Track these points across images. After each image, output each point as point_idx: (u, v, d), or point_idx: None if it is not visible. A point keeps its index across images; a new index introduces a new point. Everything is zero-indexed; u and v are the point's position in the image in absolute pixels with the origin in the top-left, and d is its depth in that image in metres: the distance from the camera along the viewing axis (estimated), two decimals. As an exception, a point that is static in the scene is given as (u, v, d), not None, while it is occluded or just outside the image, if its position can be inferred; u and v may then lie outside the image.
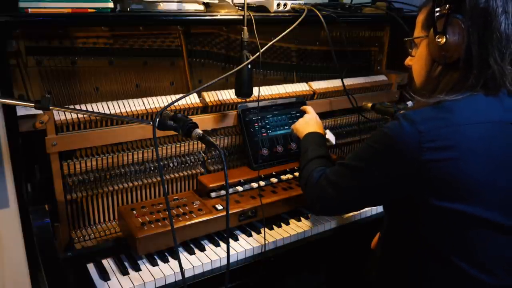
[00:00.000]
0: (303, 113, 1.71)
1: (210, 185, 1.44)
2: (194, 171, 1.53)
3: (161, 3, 1.37)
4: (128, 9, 1.36)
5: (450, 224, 0.96)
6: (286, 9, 1.60)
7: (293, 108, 1.70)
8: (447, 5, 0.96)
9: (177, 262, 1.04)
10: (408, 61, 1.17)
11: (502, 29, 0.95)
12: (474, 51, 0.95)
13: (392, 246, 1.12)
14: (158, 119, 1.10)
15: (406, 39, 1.12)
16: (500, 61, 0.96)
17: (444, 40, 0.97)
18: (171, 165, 1.49)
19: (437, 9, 0.99)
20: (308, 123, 1.51)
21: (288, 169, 1.60)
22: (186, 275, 1.21)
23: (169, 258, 1.27)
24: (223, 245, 1.34)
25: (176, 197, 1.44)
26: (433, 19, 0.99)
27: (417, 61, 1.10)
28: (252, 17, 1.46)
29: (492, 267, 0.97)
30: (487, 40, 0.95)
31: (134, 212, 1.33)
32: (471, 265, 0.96)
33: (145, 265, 1.24)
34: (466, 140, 0.94)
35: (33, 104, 1.07)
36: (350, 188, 1.08)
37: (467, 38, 0.95)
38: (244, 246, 1.34)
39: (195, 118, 1.32)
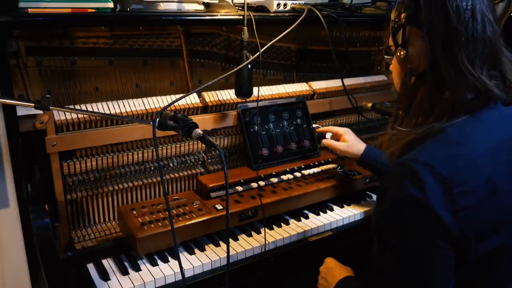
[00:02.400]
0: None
1: (210, 185, 1.44)
2: (194, 171, 1.53)
3: (161, 3, 1.37)
4: (128, 9, 1.36)
5: (487, 262, 0.87)
6: (286, 9, 1.60)
7: (293, 108, 1.70)
8: (403, 14, 0.90)
9: (177, 262, 1.04)
10: (390, 67, 1.09)
11: (468, 31, 0.86)
12: (440, 60, 0.87)
13: None
14: (158, 119, 1.10)
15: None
16: (471, 68, 0.87)
17: (404, 53, 0.91)
18: (171, 165, 1.49)
19: (396, 19, 0.93)
20: (331, 272, 1.24)
21: (288, 169, 1.60)
22: (186, 275, 1.21)
23: (169, 258, 1.27)
24: (223, 245, 1.34)
25: (176, 197, 1.44)
26: (392, 30, 0.94)
27: (393, 69, 1.04)
28: (252, 17, 1.46)
29: None
30: (452, 46, 0.86)
31: (134, 212, 1.33)
32: None
33: (145, 265, 1.24)
34: (487, 171, 0.85)
35: (33, 104, 1.07)
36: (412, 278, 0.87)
37: (430, 47, 0.88)
38: (244, 246, 1.34)
39: (195, 118, 1.32)
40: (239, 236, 1.39)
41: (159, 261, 1.25)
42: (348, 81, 1.84)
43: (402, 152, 0.94)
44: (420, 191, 0.81)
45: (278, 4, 1.57)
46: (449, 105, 0.89)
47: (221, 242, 1.35)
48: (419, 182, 0.82)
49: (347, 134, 1.58)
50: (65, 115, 1.28)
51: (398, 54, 0.94)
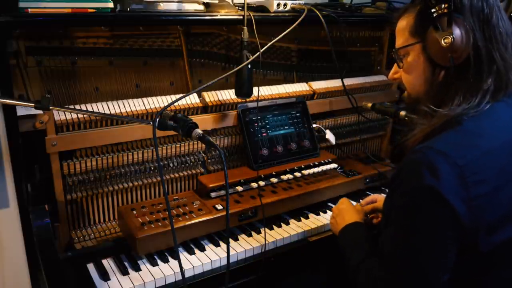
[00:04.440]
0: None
1: (210, 185, 1.44)
2: (194, 171, 1.53)
3: (161, 3, 1.37)
4: (128, 9, 1.36)
5: (500, 254, 0.90)
6: (286, 9, 1.60)
7: (293, 108, 1.70)
8: (445, 4, 0.92)
9: (177, 262, 1.04)
10: (393, 74, 1.10)
11: (500, 25, 0.93)
12: (482, 48, 0.91)
13: None
14: (158, 119, 1.10)
15: (396, 49, 1.05)
16: (504, 54, 0.93)
17: (451, 39, 0.91)
18: (171, 165, 1.49)
19: (432, 10, 0.95)
20: (341, 214, 1.28)
21: (288, 169, 1.60)
22: (186, 275, 1.21)
23: (169, 258, 1.27)
24: (223, 245, 1.34)
25: (176, 197, 1.44)
26: (429, 20, 0.95)
27: (410, 71, 1.04)
28: (252, 17, 1.46)
29: None
30: (491, 35, 0.92)
31: (134, 212, 1.33)
32: None
33: (145, 265, 1.24)
34: (501, 163, 0.89)
35: (33, 104, 1.07)
36: (417, 265, 0.90)
37: (473, 35, 0.92)
38: (244, 246, 1.34)
39: (195, 118, 1.32)
40: (239, 236, 1.39)
41: (159, 261, 1.25)
42: (348, 81, 1.84)
43: (423, 140, 0.96)
44: (434, 179, 0.84)
45: (278, 4, 1.57)
46: (476, 91, 0.92)
47: (221, 242, 1.35)
48: (434, 169, 0.84)
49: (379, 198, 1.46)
50: (65, 115, 1.28)
51: (445, 41, 0.92)
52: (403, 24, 1.03)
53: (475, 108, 0.92)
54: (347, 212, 1.27)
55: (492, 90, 0.93)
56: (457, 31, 0.91)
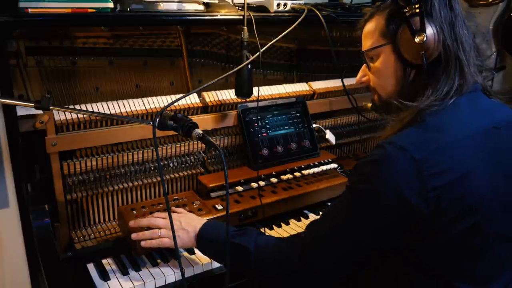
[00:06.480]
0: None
1: (210, 185, 1.44)
2: (194, 171, 1.53)
3: (161, 3, 1.37)
4: (128, 9, 1.36)
5: (458, 245, 0.92)
6: (286, 9, 1.60)
7: (293, 108, 1.70)
8: (417, 5, 0.95)
9: (177, 262, 1.04)
10: (361, 78, 1.13)
11: (464, 28, 0.99)
12: (450, 46, 0.96)
13: (385, 277, 1.05)
14: (158, 119, 1.10)
15: (366, 51, 1.07)
16: (467, 54, 0.98)
17: (424, 37, 0.94)
18: (171, 165, 1.49)
19: (404, 10, 0.97)
20: (186, 221, 1.22)
21: (288, 169, 1.60)
22: (186, 275, 1.21)
23: (169, 258, 1.27)
24: (223, 245, 1.34)
25: (176, 197, 1.44)
26: (401, 20, 0.98)
27: (380, 73, 1.06)
28: (252, 17, 1.46)
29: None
30: (456, 36, 0.97)
31: (134, 212, 1.33)
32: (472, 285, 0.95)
33: (145, 265, 1.24)
34: (462, 156, 0.91)
35: (33, 104, 1.07)
36: (343, 245, 0.97)
37: (442, 34, 0.96)
38: (244, 246, 1.34)
39: (195, 118, 1.32)
40: (239, 236, 1.39)
41: (159, 261, 1.25)
42: (348, 81, 1.84)
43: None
44: (389, 172, 0.89)
45: (278, 4, 1.57)
46: (443, 87, 0.97)
47: (221, 242, 1.35)
48: (390, 163, 0.89)
49: None
50: (65, 115, 1.28)
51: (419, 39, 0.95)
52: (372, 27, 1.06)
53: (441, 101, 0.95)
54: (187, 217, 1.23)
55: (457, 85, 0.97)
56: (429, 29, 0.95)
